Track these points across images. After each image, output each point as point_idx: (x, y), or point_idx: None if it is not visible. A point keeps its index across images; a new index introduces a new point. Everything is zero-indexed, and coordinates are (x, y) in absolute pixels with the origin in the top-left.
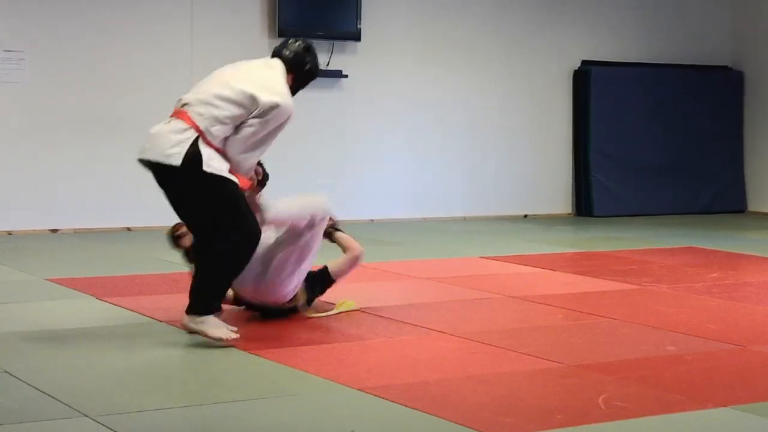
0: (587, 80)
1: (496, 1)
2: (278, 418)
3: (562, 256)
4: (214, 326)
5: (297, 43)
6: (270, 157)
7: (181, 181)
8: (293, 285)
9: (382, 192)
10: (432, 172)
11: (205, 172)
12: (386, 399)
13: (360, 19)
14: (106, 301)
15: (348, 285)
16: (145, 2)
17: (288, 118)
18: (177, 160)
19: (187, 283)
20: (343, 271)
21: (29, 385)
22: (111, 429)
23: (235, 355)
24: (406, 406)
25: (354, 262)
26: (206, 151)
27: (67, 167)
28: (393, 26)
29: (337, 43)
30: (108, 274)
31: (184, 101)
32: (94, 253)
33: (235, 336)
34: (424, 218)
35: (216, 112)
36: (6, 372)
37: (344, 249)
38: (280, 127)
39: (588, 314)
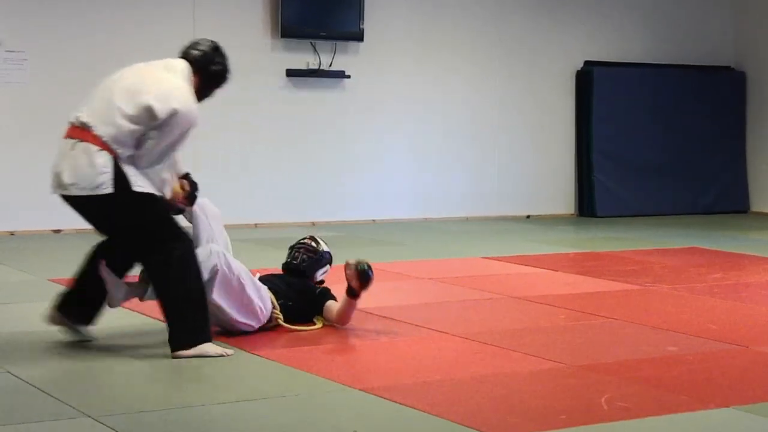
0: (590, 80)
1: (498, 1)
2: (280, 419)
3: (565, 257)
4: (212, 348)
5: (205, 43)
6: (272, 157)
7: (113, 206)
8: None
9: (384, 192)
10: (434, 172)
11: (135, 192)
12: (388, 399)
13: (363, 20)
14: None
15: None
16: (147, 2)
17: (193, 124)
18: (109, 188)
19: None
20: (328, 318)
21: (31, 385)
22: (113, 429)
23: (238, 355)
24: (408, 406)
25: (333, 322)
26: (128, 170)
27: None
28: (395, 27)
29: (339, 43)
30: None
31: (82, 119)
32: None
33: (231, 353)
34: (426, 218)
35: (116, 131)
36: (8, 372)
37: (335, 315)
38: (184, 135)
39: (590, 314)
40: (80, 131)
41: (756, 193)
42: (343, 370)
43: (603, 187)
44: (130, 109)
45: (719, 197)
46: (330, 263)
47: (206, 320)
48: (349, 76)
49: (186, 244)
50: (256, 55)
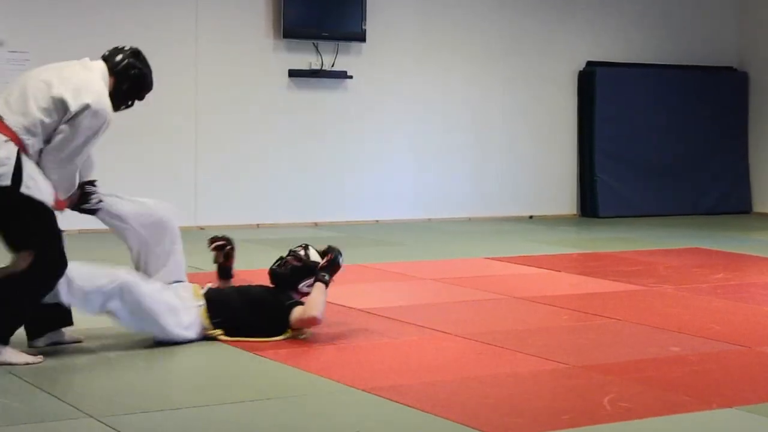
0: (592, 81)
1: (500, 1)
2: (283, 420)
3: (567, 257)
4: (15, 354)
5: (126, 49)
6: (274, 158)
7: (3, 199)
8: None
9: (387, 193)
10: (436, 172)
11: (22, 194)
12: (391, 400)
13: (365, 20)
14: None
15: (353, 286)
16: (150, 3)
17: (105, 123)
18: (7, 180)
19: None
20: (298, 320)
21: (35, 386)
22: (115, 430)
23: (241, 356)
24: (411, 407)
25: (305, 318)
26: (28, 168)
27: None
28: (398, 27)
29: (342, 43)
30: None
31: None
32: (98, 255)
33: (39, 360)
34: (429, 219)
35: (27, 122)
36: (11, 373)
37: (306, 304)
38: (96, 134)
39: (593, 315)
40: None
41: (759, 194)
42: (345, 370)
43: (605, 188)
44: (43, 101)
45: (722, 198)
46: (331, 269)
47: (13, 326)
48: (351, 77)
49: (40, 268)
50: (259, 55)
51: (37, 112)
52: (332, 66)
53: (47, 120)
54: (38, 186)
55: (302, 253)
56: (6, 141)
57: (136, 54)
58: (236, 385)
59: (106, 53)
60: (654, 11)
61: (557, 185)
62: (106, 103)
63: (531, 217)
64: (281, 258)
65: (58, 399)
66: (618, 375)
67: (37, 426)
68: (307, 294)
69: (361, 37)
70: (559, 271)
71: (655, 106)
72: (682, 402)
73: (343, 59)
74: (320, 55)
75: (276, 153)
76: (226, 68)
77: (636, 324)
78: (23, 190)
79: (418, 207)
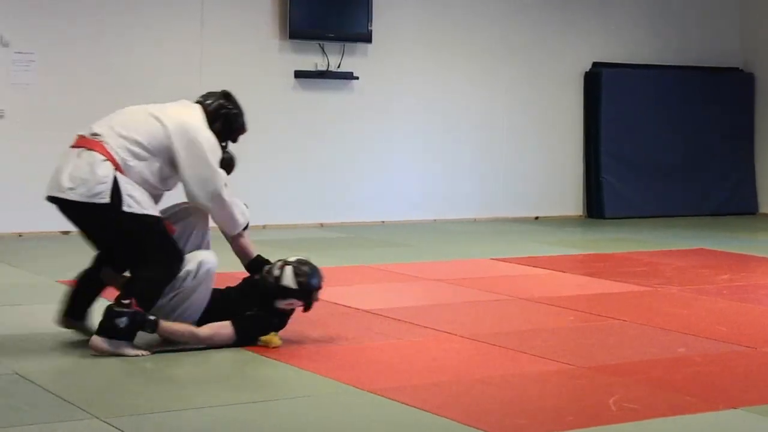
0: (598, 82)
1: (507, 2)
2: (288, 420)
3: (573, 258)
4: (130, 349)
5: (216, 91)
6: (280, 159)
7: (105, 216)
8: None
9: (393, 194)
10: (442, 173)
11: (125, 212)
12: (396, 401)
13: (371, 21)
14: None
15: (358, 287)
16: (155, 4)
17: (203, 148)
18: (105, 198)
19: None
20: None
21: (40, 386)
22: (120, 430)
23: (246, 357)
24: (416, 407)
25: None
26: (126, 186)
27: None
28: (404, 28)
29: (348, 44)
30: None
31: (94, 130)
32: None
33: (147, 353)
34: (435, 220)
35: (128, 144)
36: (17, 374)
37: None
38: (208, 159)
39: (598, 316)
40: (89, 141)
41: (765, 195)
42: (350, 371)
43: (611, 188)
44: (144, 124)
45: (727, 199)
46: (294, 297)
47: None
48: (357, 78)
49: (168, 269)
50: (265, 56)
51: (137, 135)
52: (338, 67)
53: (146, 143)
54: (138, 201)
55: (276, 272)
56: (104, 161)
57: (226, 96)
58: (242, 386)
59: (200, 97)
60: (660, 12)
61: (563, 186)
62: (206, 131)
63: (536, 218)
64: (281, 260)
65: (64, 400)
66: (623, 376)
67: (42, 427)
68: (285, 310)
69: (367, 38)
70: (565, 272)
71: (661, 107)
72: (688, 403)
73: (349, 60)
74: (326, 56)
75: (282, 154)
76: (232, 69)
77: (641, 325)
78: (125, 208)
79: (424, 208)
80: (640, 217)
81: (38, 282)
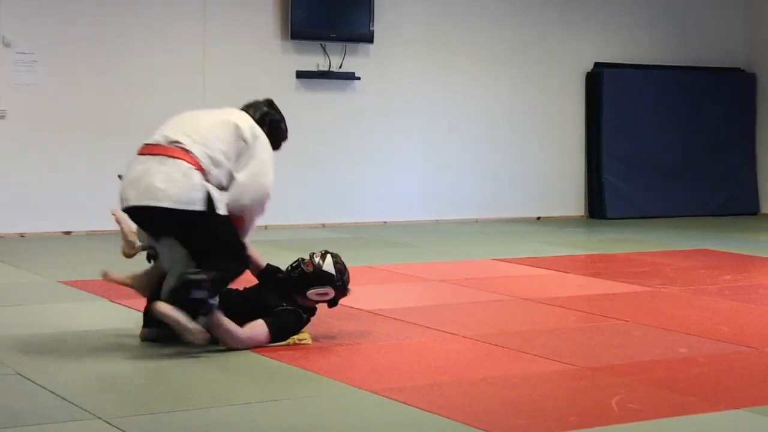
0: (600, 82)
1: (508, 3)
2: (290, 421)
3: (575, 258)
4: (191, 322)
5: (260, 99)
6: (281, 159)
7: (200, 223)
8: None
9: (395, 194)
10: (445, 174)
11: (219, 215)
12: (399, 401)
13: (373, 21)
14: (119, 304)
15: (361, 287)
16: (157, 3)
17: (271, 154)
18: (202, 206)
19: None
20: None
21: (41, 387)
22: (123, 431)
23: (247, 357)
24: (418, 408)
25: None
26: (214, 193)
27: (79, 169)
28: (406, 28)
29: (349, 45)
30: None
31: (172, 138)
32: (107, 255)
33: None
34: (437, 220)
35: (210, 151)
36: (18, 374)
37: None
38: (269, 161)
39: (601, 316)
40: (170, 149)
41: (766, 195)
42: (352, 371)
43: (613, 189)
44: (220, 131)
45: (729, 199)
46: (332, 286)
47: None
48: (359, 78)
49: (240, 267)
50: (266, 56)
51: (217, 142)
52: (340, 67)
53: (225, 149)
54: (223, 204)
55: (317, 260)
56: (193, 168)
57: (270, 103)
58: (243, 386)
59: (244, 106)
60: (662, 12)
61: (565, 186)
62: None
63: (539, 218)
64: (300, 260)
65: (66, 400)
66: (626, 376)
67: (43, 427)
68: (316, 301)
69: (369, 39)
70: (567, 272)
71: (663, 108)
72: (690, 403)
73: (351, 60)
74: (328, 57)
75: (283, 154)
76: (234, 69)
77: (644, 325)
78: (220, 211)
79: (426, 208)
80: (642, 218)
81: (40, 282)
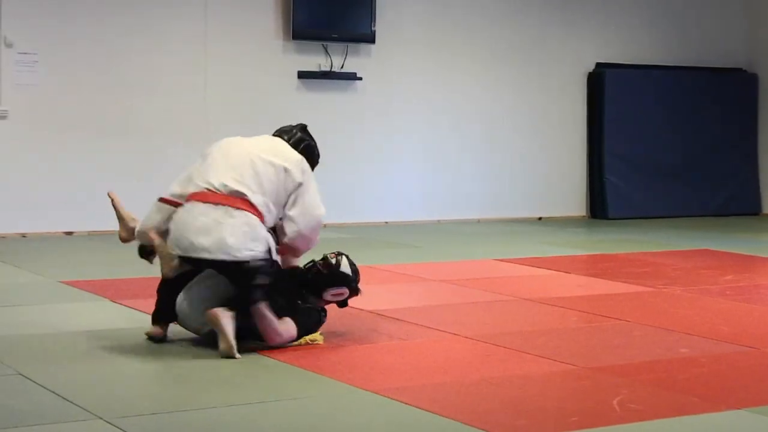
0: (601, 82)
1: (510, 3)
2: (291, 421)
3: (576, 259)
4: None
5: (293, 125)
6: None
7: (263, 269)
8: None
9: (397, 194)
10: (446, 174)
11: (275, 263)
12: (400, 401)
13: (374, 22)
14: (120, 304)
15: (362, 287)
16: (159, 4)
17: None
18: (265, 255)
19: None
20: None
21: (43, 387)
22: (124, 431)
23: (249, 357)
24: (419, 408)
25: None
26: (271, 242)
27: (81, 169)
28: (408, 28)
29: (351, 45)
30: (123, 276)
31: (234, 187)
32: (108, 255)
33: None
34: (438, 220)
35: (267, 199)
36: (20, 374)
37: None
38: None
39: (602, 316)
40: (233, 199)
41: None
42: (353, 371)
43: (614, 189)
44: (273, 177)
45: (731, 199)
46: (347, 286)
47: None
48: (360, 78)
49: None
50: (268, 56)
51: (271, 193)
52: (341, 67)
53: (282, 197)
54: (275, 251)
55: (333, 261)
56: (258, 220)
57: (303, 128)
58: (244, 386)
59: (277, 131)
60: (663, 13)
61: (566, 187)
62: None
63: (540, 218)
64: (313, 261)
65: (67, 401)
66: (627, 376)
67: (44, 428)
68: (330, 302)
69: (371, 39)
70: (568, 272)
71: (664, 108)
72: (692, 403)
73: (353, 61)
74: (330, 57)
75: None
76: (235, 69)
77: (645, 325)
78: (275, 258)
79: (428, 208)
80: (643, 218)
81: (41, 282)
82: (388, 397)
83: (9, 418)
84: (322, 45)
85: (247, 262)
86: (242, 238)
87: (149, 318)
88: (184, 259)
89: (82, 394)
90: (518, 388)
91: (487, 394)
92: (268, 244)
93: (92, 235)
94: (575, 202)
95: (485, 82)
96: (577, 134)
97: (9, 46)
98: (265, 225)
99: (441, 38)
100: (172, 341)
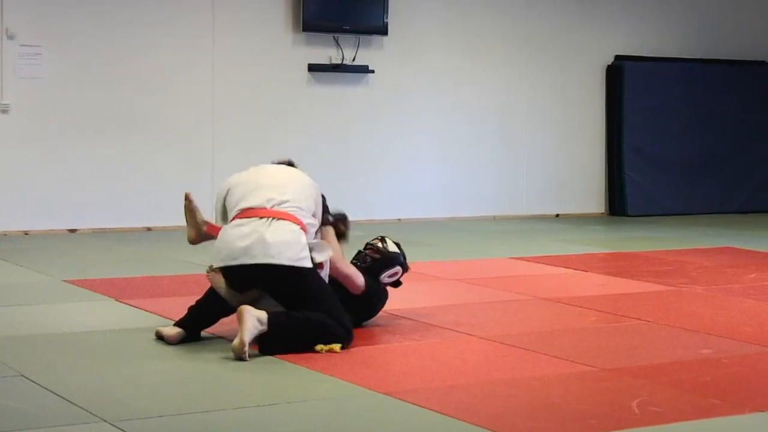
0: (620, 76)
1: None
2: (302, 424)
3: (595, 257)
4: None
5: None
6: (292, 155)
7: (306, 278)
8: None
9: (410, 191)
10: (461, 170)
11: (317, 272)
12: (414, 404)
13: (387, 13)
14: (125, 303)
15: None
16: None
17: None
18: (309, 263)
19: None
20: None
21: (46, 389)
22: None
23: (259, 358)
24: (433, 410)
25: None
26: (310, 252)
27: (85, 165)
28: (421, 20)
29: (363, 37)
30: (127, 275)
31: (278, 200)
32: (113, 254)
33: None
34: (453, 218)
35: (306, 214)
36: (22, 376)
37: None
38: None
39: (621, 316)
40: (276, 212)
41: None
42: (366, 373)
43: (634, 185)
44: (307, 191)
45: (754, 195)
46: (399, 264)
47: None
48: (373, 71)
49: (331, 315)
50: (277, 49)
51: (309, 208)
52: (353, 60)
53: (316, 212)
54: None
55: (379, 245)
56: (300, 229)
57: (291, 163)
58: (253, 388)
59: (288, 159)
60: (684, 4)
61: (585, 183)
62: None
63: (557, 215)
64: (359, 252)
65: (71, 403)
66: (647, 378)
67: (48, 431)
68: (387, 284)
69: (383, 31)
70: (587, 271)
71: (685, 102)
72: (714, 406)
73: (365, 53)
74: (341, 49)
75: (295, 150)
76: (244, 62)
77: (666, 326)
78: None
79: (442, 205)
80: (664, 215)
81: (44, 281)
82: (401, 399)
83: (11, 421)
84: (333, 37)
85: (292, 266)
86: (284, 246)
87: (155, 318)
88: (226, 271)
89: (85, 396)
90: (535, 390)
91: (503, 397)
92: (310, 252)
93: (97, 232)
94: (594, 199)
95: (501, 75)
96: (596, 129)
97: (11, 38)
98: (307, 233)
99: (456, 30)
100: (179, 343)
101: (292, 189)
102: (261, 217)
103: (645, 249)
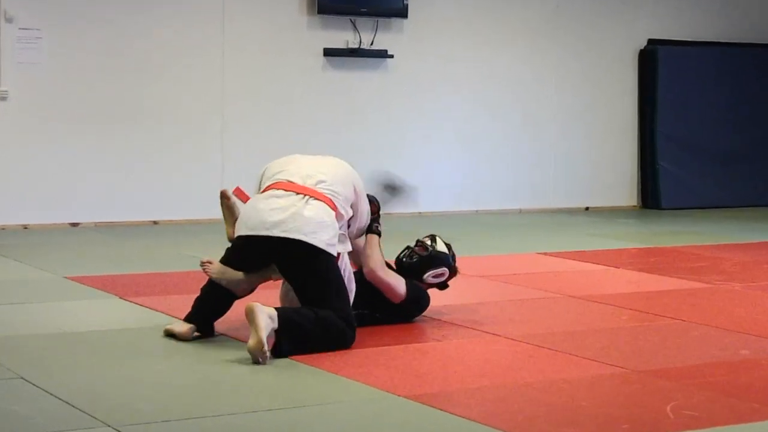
0: (654, 60)
1: None
2: (317, 428)
3: (627, 252)
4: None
5: None
6: (308, 142)
7: (328, 261)
8: None
9: (431, 182)
10: (485, 160)
11: (336, 256)
12: (435, 408)
13: None
14: (129, 301)
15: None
16: None
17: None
18: (335, 250)
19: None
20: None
21: (46, 392)
22: None
23: (271, 361)
24: (456, 415)
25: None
26: (341, 236)
27: (87, 155)
28: (443, 2)
29: (381, 20)
30: (132, 272)
31: (315, 179)
32: (117, 249)
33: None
34: (476, 211)
35: (343, 198)
36: (21, 378)
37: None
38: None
39: (655, 315)
40: (311, 190)
41: None
42: (385, 376)
43: (668, 176)
44: (346, 178)
45: None
46: (447, 266)
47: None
48: (392, 56)
49: (339, 319)
50: (291, 33)
51: (352, 195)
52: (371, 44)
53: (349, 195)
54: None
55: (428, 242)
56: (333, 212)
57: None
58: (266, 391)
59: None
60: None
61: (615, 174)
62: None
63: (587, 208)
64: (408, 248)
65: (72, 406)
66: (682, 380)
67: None
68: (432, 284)
69: (403, 13)
70: (618, 267)
71: (722, 88)
72: (752, 409)
73: (383, 37)
74: (358, 33)
75: (310, 137)
76: (256, 47)
77: (701, 325)
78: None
79: (465, 198)
80: (699, 208)
81: (45, 278)
82: (421, 403)
83: (10, 425)
84: (350, 20)
85: (321, 249)
86: (315, 223)
87: (161, 317)
88: (247, 242)
89: (87, 399)
90: (563, 393)
91: (530, 400)
92: (339, 239)
93: (99, 226)
94: (625, 191)
95: (527, 61)
96: (628, 117)
97: (9, 21)
98: (338, 222)
99: (479, 13)
100: (187, 342)
101: (328, 170)
102: (298, 193)
103: (679, 244)
